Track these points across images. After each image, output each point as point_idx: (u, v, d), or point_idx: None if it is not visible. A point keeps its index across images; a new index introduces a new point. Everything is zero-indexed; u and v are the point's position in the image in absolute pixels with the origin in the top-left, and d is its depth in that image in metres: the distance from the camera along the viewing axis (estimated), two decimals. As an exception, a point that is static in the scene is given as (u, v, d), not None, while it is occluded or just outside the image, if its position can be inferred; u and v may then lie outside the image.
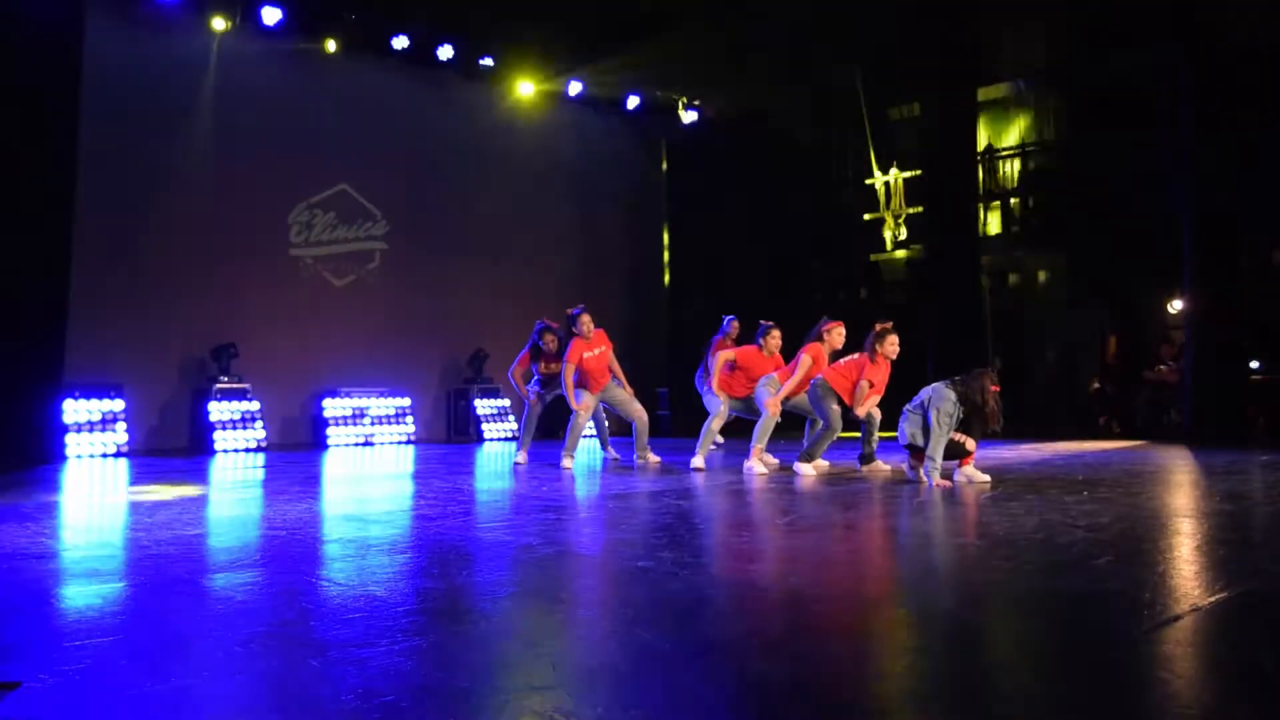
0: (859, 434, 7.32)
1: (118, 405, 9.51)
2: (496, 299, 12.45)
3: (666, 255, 13.97)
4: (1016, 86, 13.94)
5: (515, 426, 12.17)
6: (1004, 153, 14.42)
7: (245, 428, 10.16)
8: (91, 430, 9.32)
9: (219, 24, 9.97)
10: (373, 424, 11.32)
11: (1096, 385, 12.62)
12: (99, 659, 2.39)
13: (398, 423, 11.52)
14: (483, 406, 12.26)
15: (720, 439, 8.51)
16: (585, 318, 7.71)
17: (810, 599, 3.03)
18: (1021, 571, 3.37)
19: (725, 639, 2.58)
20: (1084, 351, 13.40)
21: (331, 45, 10.48)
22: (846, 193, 15.63)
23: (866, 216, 15.44)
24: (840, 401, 7.04)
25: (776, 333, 7.61)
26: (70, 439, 9.15)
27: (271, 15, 9.94)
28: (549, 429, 9.60)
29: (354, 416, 11.21)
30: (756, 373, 7.40)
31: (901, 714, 2.04)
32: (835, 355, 7.52)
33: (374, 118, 11.61)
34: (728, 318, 9.27)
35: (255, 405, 10.28)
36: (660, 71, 12.60)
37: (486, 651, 2.54)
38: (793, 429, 8.01)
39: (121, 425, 9.47)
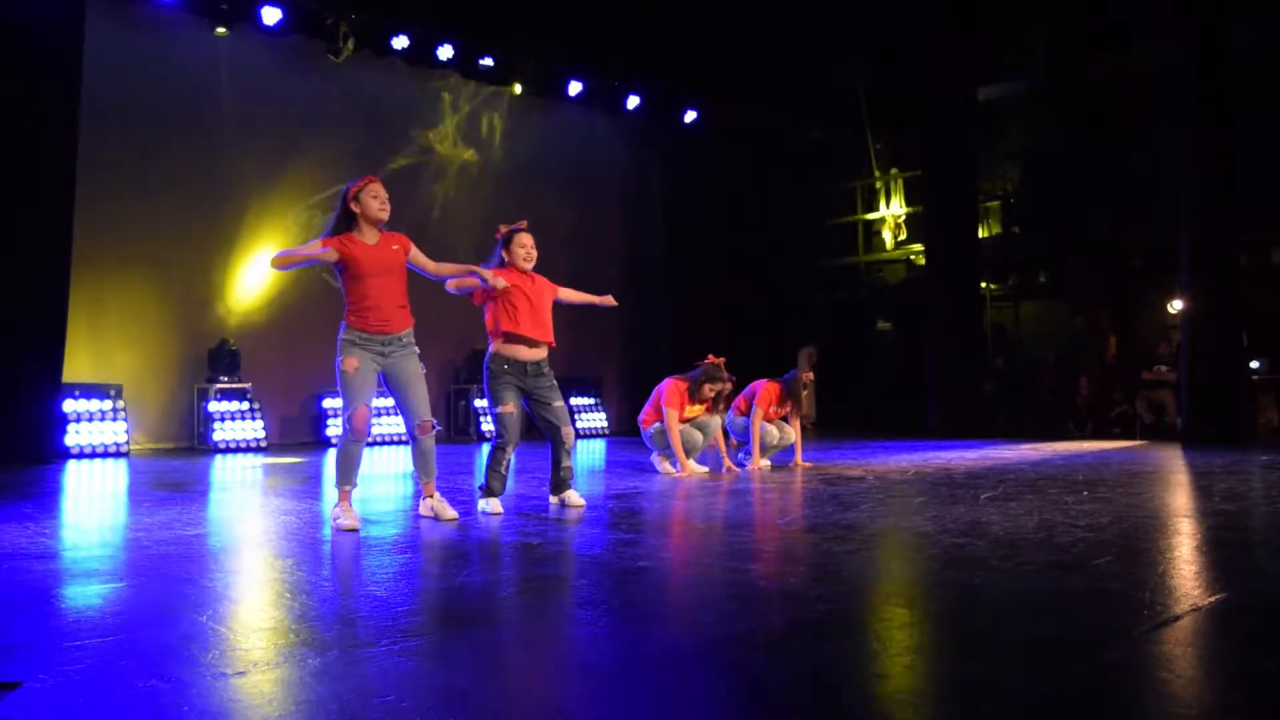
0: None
1: (117, 405, 9.50)
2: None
3: (666, 256, 13.96)
4: (1016, 86, 13.94)
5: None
6: (1004, 152, 14.43)
7: (245, 428, 10.16)
8: (91, 431, 9.31)
9: (220, 30, 9.99)
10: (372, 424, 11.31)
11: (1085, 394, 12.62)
12: (99, 659, 2.39)
13: (398, 423, 11.50)
14: (483, 406, 12.24)
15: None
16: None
17: (810, 599, 3.03)
18: (1021, 571, 3.37)
19: (725, 638, 2.58)
20: (1084, 352, 13.41)
21: (331, 45, 10.47)
22: (847, 192, 15.65)
23: (867, 216, 15.47)
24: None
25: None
26: (70, 439, 9.14)
27: (271, 15, 9.93)
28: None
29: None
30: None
31: (901, 714, 2.04)
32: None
33: (374, 117, 11.60)
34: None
35: (255, 405, 10.28)
36: (661, 69, 12.59)
37: (486, 651, 2.54)
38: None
39: (121, 425, 9.46)
